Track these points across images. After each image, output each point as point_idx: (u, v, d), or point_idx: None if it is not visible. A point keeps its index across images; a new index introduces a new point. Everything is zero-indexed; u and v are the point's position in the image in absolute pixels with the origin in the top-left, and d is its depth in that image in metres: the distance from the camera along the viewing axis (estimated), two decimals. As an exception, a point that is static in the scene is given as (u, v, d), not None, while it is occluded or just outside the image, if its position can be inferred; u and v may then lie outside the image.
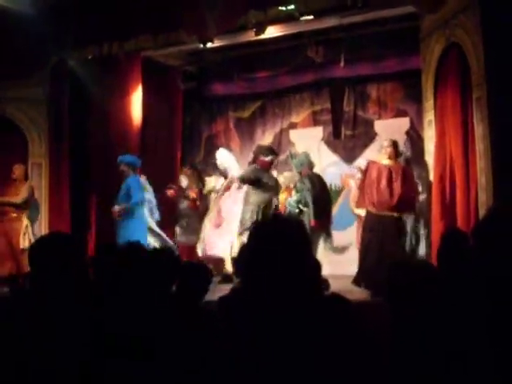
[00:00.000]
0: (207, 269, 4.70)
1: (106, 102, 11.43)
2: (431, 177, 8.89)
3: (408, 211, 8.70)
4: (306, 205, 9.03)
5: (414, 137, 11.06)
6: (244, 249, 2.51)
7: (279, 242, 2.43)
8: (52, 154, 11.09)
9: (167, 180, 11.99)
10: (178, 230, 11.29)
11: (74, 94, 11.27)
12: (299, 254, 2.47)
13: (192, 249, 10.93)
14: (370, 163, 8.88)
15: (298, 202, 9.13)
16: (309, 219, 8.88)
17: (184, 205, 11.29)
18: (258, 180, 9.52)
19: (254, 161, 9.83)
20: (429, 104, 9.19)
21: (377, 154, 9.23)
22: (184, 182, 11.40)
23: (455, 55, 8.45)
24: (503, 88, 7.46)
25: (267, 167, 9.74)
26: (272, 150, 9.97)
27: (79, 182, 11.38)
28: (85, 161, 11.51)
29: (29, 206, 10.52)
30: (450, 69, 8.60)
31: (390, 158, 8.72)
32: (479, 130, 7.72)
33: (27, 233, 10.30)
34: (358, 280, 8.64)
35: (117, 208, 9.69)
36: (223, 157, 10.80)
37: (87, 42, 10.51)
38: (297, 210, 9.08)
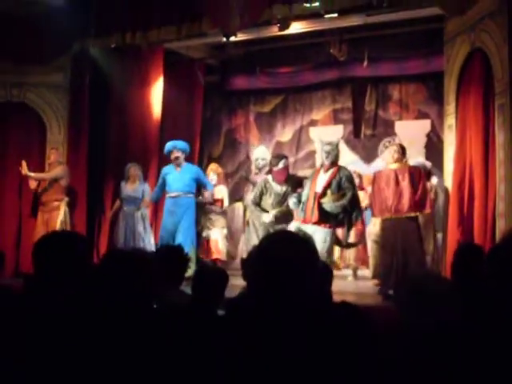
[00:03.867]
0: (224, 273, 4.61)
1: (127, 92, 11.44)
2: (450, 183, 8.80)
3: (422, 209, 8.58)
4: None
5: (435, 140, 10.99)
6: (253, 253, 2.50)
7: (289, 250, 2.41)
8: (70, 142, 11.07)
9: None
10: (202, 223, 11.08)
11: (95, 82, 11.25)
12: (309, 264, 2.44)
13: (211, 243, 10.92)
14: (375, 174, 8.86)
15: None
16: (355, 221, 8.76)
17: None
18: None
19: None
20: (450, 108, 9.08)
21: (387, 155, 9.08)
22: (214, 178, 11.22)
23: (479, 60, 8.33)
24: (526, 96, 7.37)
25: (282, 178, 9.33)
26: (280, 156, 9.65)
27: (96, 171, 11.37)
28: (103, 149, 11.50)
29: (67, 192, 10.57)
30: (474, 74, 8.49)
31: (396, 161, 8.64)
32: (500, 137, 7.63)
33: (65, 222, 10.30)
34: (384, 290, 8.51)
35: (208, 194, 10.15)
36: (264, 153, 10.61)
37: (110, 30, 10.47)
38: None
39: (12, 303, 2.98)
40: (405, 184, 8.37)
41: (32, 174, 10.26)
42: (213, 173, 11.20)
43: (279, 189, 9.27)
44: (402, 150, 8.71)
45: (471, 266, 4.48)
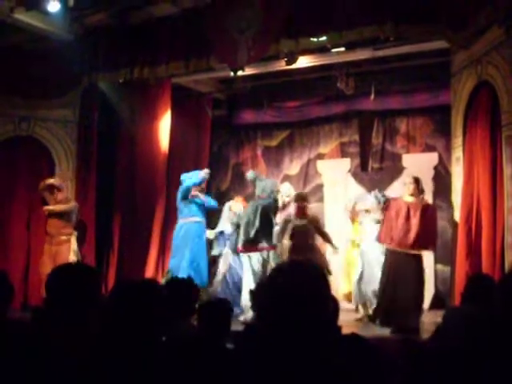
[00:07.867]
0: (228, 307, 4.61)
1: (135, 126, 11.51)
2: (457, 215, 8.77)
3: (426, 248, 8.52)
4: None
5: (442, 172, 10.97)
6: (263, 285, 2.48)
7: (299, 283, 2.41)
8: (79, 175, 11.11)
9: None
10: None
11: (104, 116, 11.32)
12: (317, 296, 2.43)
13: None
14: (390, 200, 8.75)
15: None
16: None
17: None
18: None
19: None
20: (457, 141, 9.11)
21: (402, 187, 9.02)
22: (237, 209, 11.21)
23: (486, 93, 8.36)
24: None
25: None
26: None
27: (105, 204, 11.41)
28: (111, 183, 11.54)
29: (77, 227, 10.54)
30: (481, 106, 8.51)
31: (411, 194, 8.46)
32: (508, 169, 7.63)
33: (77, 257, 10.28)
34: (373, 316, 8.57)
35: None
36: (289, 189, 10.73)
37: (119, 65, 10.53)
38: None
39: (22, 337, 2.98)
40: (415, 220, 8.24)
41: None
42: (237, 204, 11.22)
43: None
44: (417, 184, 8.54)
45: (481, 296, 4.46)
